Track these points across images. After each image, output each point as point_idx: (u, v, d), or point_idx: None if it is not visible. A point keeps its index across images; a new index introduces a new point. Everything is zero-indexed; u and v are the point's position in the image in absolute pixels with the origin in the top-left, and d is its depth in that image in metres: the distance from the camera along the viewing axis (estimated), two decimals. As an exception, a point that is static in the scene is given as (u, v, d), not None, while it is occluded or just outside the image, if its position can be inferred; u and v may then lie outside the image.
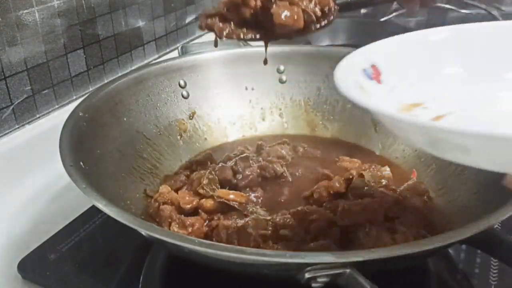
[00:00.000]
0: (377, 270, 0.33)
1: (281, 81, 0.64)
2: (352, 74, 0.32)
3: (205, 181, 0.46)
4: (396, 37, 0.37)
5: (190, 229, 0.42)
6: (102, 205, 0.34)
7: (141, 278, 0.42)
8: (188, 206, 0.45)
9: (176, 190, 0.48)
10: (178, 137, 0.58)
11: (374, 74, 0.33)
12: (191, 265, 0.39)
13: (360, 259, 0.30)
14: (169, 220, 0.43)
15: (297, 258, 0.31)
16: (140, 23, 0.77)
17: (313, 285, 0.30)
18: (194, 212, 0.46)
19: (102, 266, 0.44)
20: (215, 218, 0.44)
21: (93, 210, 0.49)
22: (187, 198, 0.46)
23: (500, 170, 0.27)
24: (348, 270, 0.30)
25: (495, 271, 0.41)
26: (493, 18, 0.87)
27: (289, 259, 0.31)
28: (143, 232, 0.34)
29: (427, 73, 0.36)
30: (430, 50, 0.37)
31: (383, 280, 0.30)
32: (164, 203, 0.46)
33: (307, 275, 0.30)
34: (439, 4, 0.92)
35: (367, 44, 0.36)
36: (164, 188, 0.48)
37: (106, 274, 0.43)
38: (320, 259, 0.30)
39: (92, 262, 0.45)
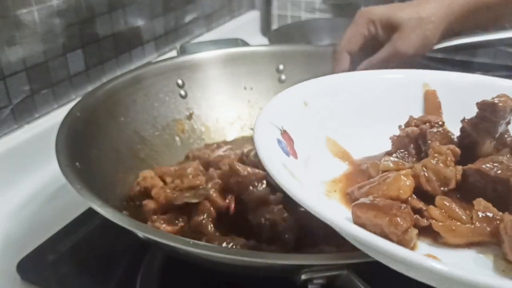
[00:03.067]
0: (374, 271, 0.33)
1: (280, 81, 0.63)
2: (274, 151, 0.30)
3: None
4: (294, 89, 0.37)
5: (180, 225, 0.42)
6: (97, 206, 0.34)
7: (139, 278, 0.42)
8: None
9: (161, 177, 0.48)
10: (176, 137, 0.58)
11: (289, 146, 0.32)
12: (189, 265, 0.39)
13: (356, 260, 0.30)
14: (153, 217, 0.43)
15: (293, 259, 0.31)
16: (140, 23, 0.76)
17: (310, 286, 0.30)
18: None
19: (100, 267, 0.44)
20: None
21: (92, 210, 0.48)
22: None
23: None
24: (344, 272, 0.30)
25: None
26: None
27: (285, 261, 0.31)
28: (139, 233, 0.34)
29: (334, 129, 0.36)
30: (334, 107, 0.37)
31: (381, 282, 0.30)
32: (145, 188, 0.45)
33: (303, 277, 0.30)
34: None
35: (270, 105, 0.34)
36: (148, 173, 0.47)
37: (105, 275, 0.43)
38: (316, 260, 0.30)
39: (91, 262, 0.45)
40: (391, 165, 0.31)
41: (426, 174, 0.28)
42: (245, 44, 0.77)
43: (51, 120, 0.61)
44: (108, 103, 0.52)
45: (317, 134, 0.36)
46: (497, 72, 0.86)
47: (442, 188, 0.29)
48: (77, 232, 0.48)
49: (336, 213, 0.26)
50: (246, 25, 1.04)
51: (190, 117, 0.59)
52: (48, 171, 0.56)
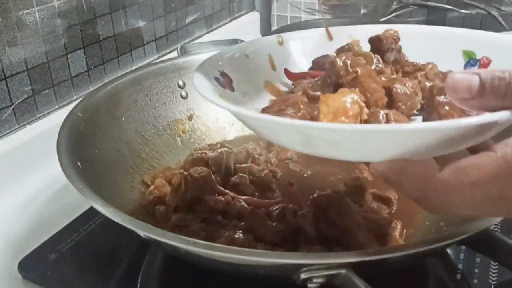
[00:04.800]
0: (374, 270, 0.33)
1: (280, 81, 0.63)
2: (209, 83, 0.34)
3: None
4: (236, 46, 0.41)
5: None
6: (98, 206, 0.34)
7: (139, 277, 0.42)
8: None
9: (169, 181, 0.49)
10: (177, 137, 0.58)
11: (227, 83, 0.36)
12: (189, 264, 0.39)
13: (356, 259, 0.30)
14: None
15: (293, 258, 0.31)
16: (140, 23, 0.77)
17: (309, 285, 0.30)
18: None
19: (102, 266, 0.44)
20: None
21: (93, 210, 0.48)
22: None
23: (365, 160, 0.31)
24: (344, 271, 0.30)
25: (494, 271, 0.41)
26: (493, 18, 0.87)
27: (285, 260, 0.31)
28: (140, 232, 0.34)
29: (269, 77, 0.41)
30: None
31: (380, 281, 0.30)
32: (158, 197, 0.46)
33: (303, 276, 0.30)
34: (438, 4, 0.92)
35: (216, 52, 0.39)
36: (160, 182, 0.48)
37: (106, 274, 0.43)
38: (316, 259, 0.30)
39: (92, 262, 0.45)
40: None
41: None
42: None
43: (53, 120, 0.61)
44: (109, 103, 0.52)
45: (256, 78, 0.40)
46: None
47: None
48: (78, 232, 0.48)
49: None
50: (246, 26, 1.04)
51: (190, 117, 0.60)
52: (50, 171, 0.56)
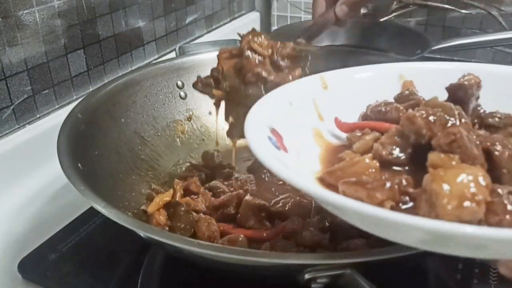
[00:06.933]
0: (377, 270, 0.33)
1: (279, 81, 0.63)
2: (265, 146, 0.31)
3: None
4: (278, 91, 0.38)
5: None
6: (100, 207, 0.34)
7: (140, 278, 0.42)
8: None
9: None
10: (176, 138, 0.58)
11: (279, 142, 0.33)
12: (189, 265, 0.39)
13: (360, 260, 0.30)
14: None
15: (297, 259, 0.31)
16: (140, 23, 0.77)
17: (313, 286, 0.30)
18: None
19: (101, 266, 0.44)
20: None
21: (93, 210, 0.48)
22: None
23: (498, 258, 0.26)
24: (348, 271, 0.30)
25: (494, 271, 0.41)
26: (493, 18, 0.87)
27: (289, 260, 0.31)
28: (142, 233, 0.34)
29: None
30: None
31: (384, 281, 0.30)
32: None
33: (307, 276, 0.30)
34: (438, 4, 0.92)
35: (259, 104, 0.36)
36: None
37: (106, 274, 0.43)
38: (320, 260, 0.30)
39: (91, 262, 0.45)
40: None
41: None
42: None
43: (52, 120, 0.61)
44: (109, 104, 0.52)
45: (304, 129, 0.37)
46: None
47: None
48: (78, 232, 0.48)
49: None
50: (246, 26, 1.03)
51: (190, 118, 0.60)
52: (49, 171, 0.56)
